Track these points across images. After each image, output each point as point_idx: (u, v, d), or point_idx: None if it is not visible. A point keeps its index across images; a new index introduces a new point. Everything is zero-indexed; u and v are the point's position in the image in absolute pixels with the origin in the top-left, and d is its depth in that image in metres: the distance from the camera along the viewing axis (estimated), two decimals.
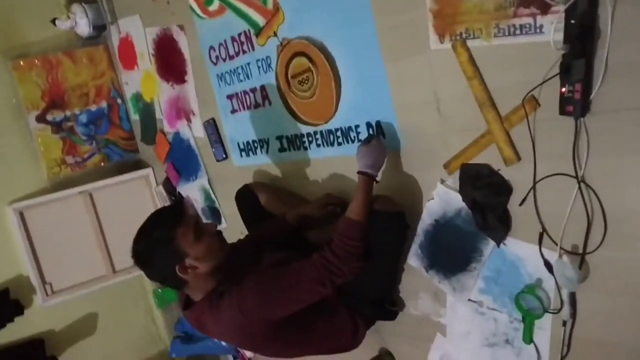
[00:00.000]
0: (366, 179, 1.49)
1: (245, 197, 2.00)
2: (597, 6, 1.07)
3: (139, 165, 2.86)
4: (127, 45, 2.59)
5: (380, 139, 1.54)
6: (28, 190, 2.60)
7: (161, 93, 2.48)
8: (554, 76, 1.16)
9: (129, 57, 2.61)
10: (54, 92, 2.67)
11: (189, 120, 2.39)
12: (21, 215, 2.54)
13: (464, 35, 1.33)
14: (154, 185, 2.79)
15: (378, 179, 1.51)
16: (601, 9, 1.07)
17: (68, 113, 2.70)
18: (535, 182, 1.29)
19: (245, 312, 1.40)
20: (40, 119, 2.65)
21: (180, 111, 2.41)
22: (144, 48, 2.46)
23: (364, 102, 1.62)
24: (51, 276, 2.61)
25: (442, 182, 1.51)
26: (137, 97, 2.70)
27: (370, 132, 1.65)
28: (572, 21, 1.09)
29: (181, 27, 2.24)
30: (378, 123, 1.62)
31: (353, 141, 1.71)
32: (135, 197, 2.78)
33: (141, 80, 2.59)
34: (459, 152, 1.44)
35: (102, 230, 2.71)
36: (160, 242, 1.40)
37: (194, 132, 2.39)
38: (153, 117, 2.61)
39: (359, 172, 1.50)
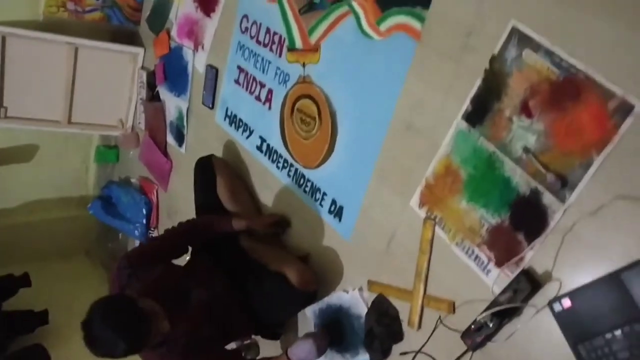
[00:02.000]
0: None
1: (205, 172, 2.12)
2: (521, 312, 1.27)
3: (133, 39, 2.82)
4: None
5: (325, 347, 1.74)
6: (19, 18, 2.55)
7: (184, 4, 2.42)
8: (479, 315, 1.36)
9: None
10: None
11: (195, 49, 2.38)
12: (2, 39, 2.51)
13: (437, 220, 1.49)
14: (139, 66, 2.80)
15: None
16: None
17: None
18: (418, 351, 1.56)
19: None
20: None
21: (193, 34, 2.39)
22: None
23: (342, 182, 1.76)
24: (10, 102, 2.66)
25: (360, 289, 1.74)
26: None
27: (332, 208, 1.82)
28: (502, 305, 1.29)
29: None
30: (342, 208, 1.78)
31: (316, 200, 1.86)
32: (117, 69, 2.78)
33: None
34: (385, 283, 1.66)
35: (73, 83, 2.73)
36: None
37: (196, 63, 2.40)
38: (166, 13, 2.55)
39: (287, 354, 1.70)
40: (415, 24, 1.47)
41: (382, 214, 1.64)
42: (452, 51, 1.40)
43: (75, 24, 2.64)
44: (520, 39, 1.26)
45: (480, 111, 1.35)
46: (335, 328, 1.83)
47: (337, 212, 1.78)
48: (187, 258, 2.01)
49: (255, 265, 1.91)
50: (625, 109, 1.10)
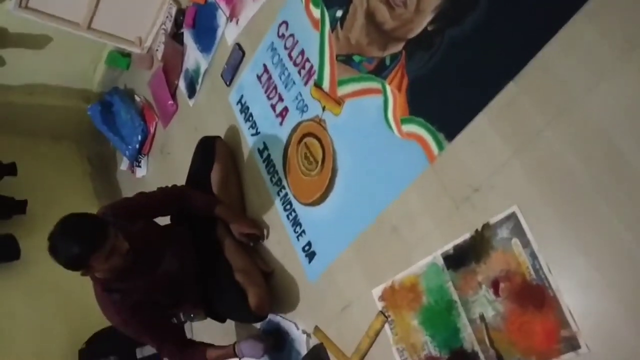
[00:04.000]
0: (232, 352, 1.87)
1: (205, 152, 2.20)
2: None
3: None
4: None
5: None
6: None
7: None
8: None
9: None
10: None
11: (230, 18, 2.32)
12: None
13: (389, 319, 1.63)
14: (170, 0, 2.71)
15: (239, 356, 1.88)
16: None
17: None
18: None
19: (112, 319, 1.82)
20: None
21: (232, 1, 2.31)
22: None
23: (322, 232, 1.85)
24: None
25: (308, 336, 1.91)
26: None
27: (306, 248, 1.93)
28: None
29: None
30: (314, 254, 1.89)
31: (295, 232, 1.97)
32: None
33: None
34: (329, 336, 1.83)
35: None
36: (73, 258, 1.61)
37: (226, 32, 2.34)
38: None
39: (234, 347, 1.88)
40: (434, 147, 1.50)
41: (346, 283, 1.76)
42: (455, 194, 1.45)
43: None
44: (515, 226, 1.32)
45: (458, 260, 1.44)
46: (278, 340, 2.01)
47: (310, 254, 1.90)
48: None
49: (223, 266, 2.04)
50: (573, 345, 1.20)
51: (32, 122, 3.18)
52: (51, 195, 3.03)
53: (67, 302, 2.74)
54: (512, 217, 1.32)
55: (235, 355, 1.89)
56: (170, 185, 2.07)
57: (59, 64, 3.07)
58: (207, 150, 2.19)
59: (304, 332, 1.90)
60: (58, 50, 2.98)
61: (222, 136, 2.32)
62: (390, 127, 1.61)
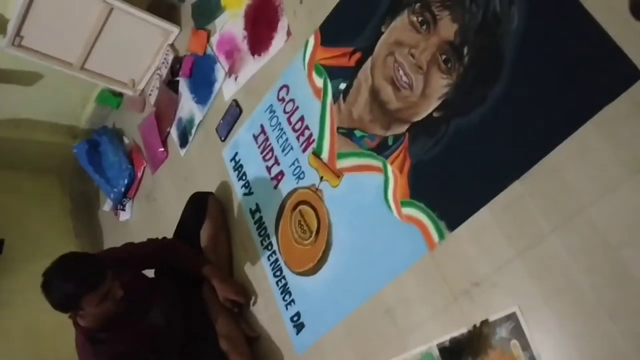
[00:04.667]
0: None
1: (197, 209, 2.16)
2: None
3: (171, 13, 2.68)
4: None
5: None
6: None
7: (234, 22, 2.31)
8: None
9: None
10: None
11: (229, 74, 2.31)
12: None
13: None
14: (169, 42, 2.68)
15: None
16: None
17: None
18: None
19: None
20: None
21: (231, 58, 2.30)
22: None
23: (312, 305, 1.81)
24: (28, 33, 2.53)
25: None
26: None
27: (295, 319, 1.88)
28: None
29: (289, 32, 2.04)
30: (302, 325, 1.85)
31: (284, 300, 1.92)
32: (146, 36, 2.65)
33: None
34: None
35: (98, 36, 2.62)
36: (66, 297, 1.57)
37: (224, 87, 2.33)
38: (214, 14, 2.43)
39: None
40: (434, 234, 1.48)
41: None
42: (454, 285, 1.43)
43: None
44: (515, 327, 1.30)
45: (454, 354, 1.41)
46: None
47: (298, 325, 1.85)
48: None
49: (207, 329, 1.97)
50: None
51: (15, 156, 3.10)
52: (29, 231, 2.94)
53: (41, 350, 2.63)
54: (513, 317, 1.30)
55: None
56: (160, 237, 2.02)
57: (48, 99, 3.01)
58: (199, 205, 2.15)
59: None
60: (48, 85, 2.93)
61: (213, 191, 2.28)
62: (389, 207, 1.59)
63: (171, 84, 2.62)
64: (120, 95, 3.07)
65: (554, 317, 1.22)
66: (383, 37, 1.67)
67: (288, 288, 1.91)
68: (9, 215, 2.97)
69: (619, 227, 1.14)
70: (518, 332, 1.29)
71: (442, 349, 1.44)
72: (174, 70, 2.60)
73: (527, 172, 1.30)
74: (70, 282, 1.57)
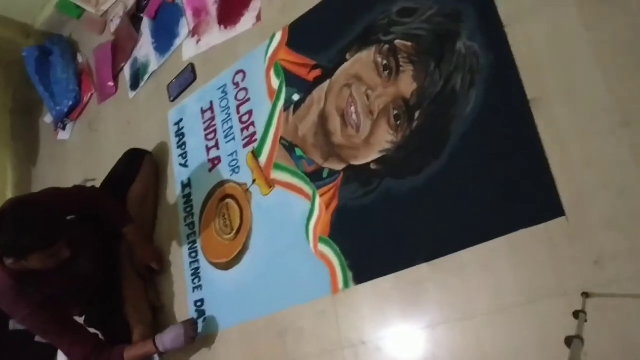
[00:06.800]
0: (153, 347, 1.78)
1: (131, 164, 2.11)
2: None
3: None
4: None
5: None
6: None
7: None
8: None
9: None
10: None
11: (192, 34, 2.19)
12: None
13: None
14: None
15: (160, 349, 1.79)
16: None
17: None
18: None
19: (17, 311, 1.72)
20: None
21: (198, 17, 2.18)
22: None
23: (217, 297, 1.84)
24: None
25: None
26: None
27: (198, 304, 1.92)
28: None
29: (259, 17, 1.92)
30: (204, 313, 1.89)
31: (193, 282, 1.94)
32: None
33: None
34: None
35: None
36: (16, 247, 1.53)
37: (184, 45, 2.22)
38: None
39: (154, 341, 1.77)
40: (341, 280, 1.52)
41: (224, 358, 1.78)
42: (345, 335, 1.49)
43: None
44: None
45: None
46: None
47: (200, 311, 1.89)
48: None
49: (116, 289, 1.99)
50: None
51: None
52: None
53: None
54: None
55: (157, 350, 1.79)
56: (86, 185, 1.99)
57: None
58: (134, 163, 2.11)
59: None
60: None
61: (152, 147, 2.22)
62: (307, 237, 1.61)
63: (135, 19, 2.47)
64: (82, 9, 2.87)
65: None
66: (346, 65, 1.61)
67: (199, 272, 1.93)
68: None
69: (501, 348, 1.19)
70: None
71: None
72: (140, 5, 2.45)
73: (436, 259, 1.32)
74: (26, 234, 1.51)
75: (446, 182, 1.32)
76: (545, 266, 1.14)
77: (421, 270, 1.35)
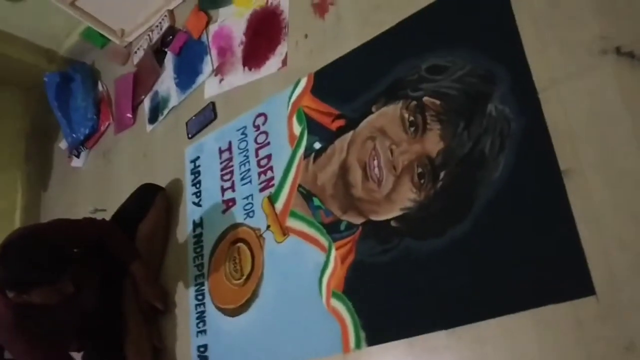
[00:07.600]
0: None
1: (143, 200, 2.09)
2: None
3: None
4: None
5: None
6: None
7: (237, 24, 2.16)
8: None
9: None
10: None
11: (215, 72, 2.18)
12: None
13: None
14: (168, 8, 2.52)
15: None
16: None
17: None
18: None
19: (12, 349, 1.67)
20: None
21: (223, 57, 2.18)
22: None
23: (222, 345, 1.79)
24: None
25: None
26: None
27: (201, 349, 1.86)
28: None
29: (285, 61, 1.91)
30: (207, 358, 1.82)
31: (197, 327, 1.89)
32: None
33: None
34: None
35: None
36: (19, 281, 1.50)
37: (207, 83, 2.21)
38: (218, 3, 2.28)
39: None
40: (352, 339, 1.47)
41: None
42: None
43: None
44: None
45: None
46: None
47: (202, 357, 1.84)
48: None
49: (117, 325, 1.93)
50: None
51: None
52: None
53: None
54: None
55: None
56: (96, 217, 1.96)
57: (33, 17, 2.81)
58: (147, 198, 2.09)
59: None
60: (37, 5, 2.72)
61: (166, 183, 2.20)
62: (320, 291, 1.56)
63: (158, 54, 2.48)
64: (107, 38, 2.89)
65: None
66: (371, 117, 1.58)
67: (204, 317, 1.87)
68: None
69: None
70: None
71: None
72: (165, 40, 2.46)
73: (456, 327, 1.26)
74: (30, 270, 1.49)
75: (469, 248, 1.28)
76: (572, 346, 1.09)
77: (439, 337, 1.29)
